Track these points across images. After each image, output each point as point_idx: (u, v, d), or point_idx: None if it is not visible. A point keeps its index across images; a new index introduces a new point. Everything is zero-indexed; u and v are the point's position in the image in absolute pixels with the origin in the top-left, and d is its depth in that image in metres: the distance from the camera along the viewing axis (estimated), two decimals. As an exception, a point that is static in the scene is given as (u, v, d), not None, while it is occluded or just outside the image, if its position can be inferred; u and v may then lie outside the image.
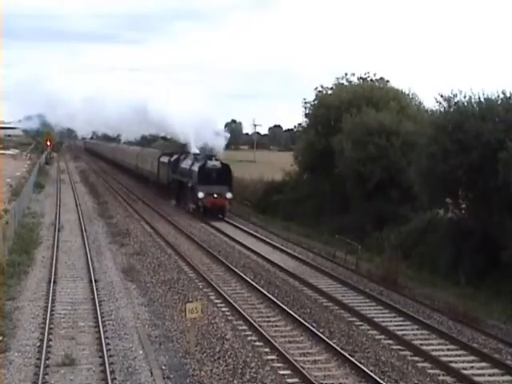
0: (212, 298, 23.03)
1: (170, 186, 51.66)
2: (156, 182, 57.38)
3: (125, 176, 76.80)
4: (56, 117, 65.69)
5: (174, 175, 49.70)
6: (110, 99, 56.42)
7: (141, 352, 17.10)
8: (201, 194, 42.15)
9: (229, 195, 42.59)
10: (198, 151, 47.16)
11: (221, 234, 36.74)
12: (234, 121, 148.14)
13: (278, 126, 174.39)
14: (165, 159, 53.63)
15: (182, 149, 57.83)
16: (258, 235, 36.61)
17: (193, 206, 44.29)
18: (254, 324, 19.62)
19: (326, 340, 18.34)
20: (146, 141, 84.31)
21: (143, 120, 52.38)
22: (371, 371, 16.05)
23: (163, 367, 16.16)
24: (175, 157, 50.83)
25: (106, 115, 57.28)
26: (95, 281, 24.48)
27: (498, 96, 26.39)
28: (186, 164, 47.36)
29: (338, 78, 43.55)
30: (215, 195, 42.29)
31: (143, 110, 51.01)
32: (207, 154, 45.84)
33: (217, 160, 44.00)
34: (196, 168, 43.92)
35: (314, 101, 43.54)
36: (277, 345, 17.80)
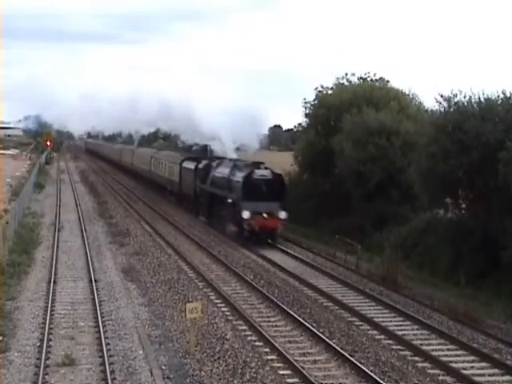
0: (212, 297, 23.04)
1: (197, 199, 42.23)
2: (178, 192, 48.07)
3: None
4: (54, 116, 65.02)
5: (204, 185, 39.93)
6: (116, 95, 50.75)
7: (141, 352, 17.10)
8: (246, 214, 32.50)
9: (282, 215, 33.02)
10: (235, 156, 39.39)
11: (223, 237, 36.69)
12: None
13: (277, 126, 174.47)
14: (190, 165, 44.45)
15: (184, 149, 54.29)
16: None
17: (233, 229, 34.54)
18: (254, 324, 19.65)
19: (326, 340, 18.34)
20: (146, 141, 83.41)
21: (166, 117, 45.85)
22: (371, 371, 16.06)
23: (163, 367, 16.16)
24: (205, 163, 41.31)
25: (114, 112, 52.07)
26: (95, 281, 24.47)
27: (498, 96, 26.40)
28: (221, 172, 37.51)
29: (338, 78, 43.55)
30: (265, 215, 32.86)
31: (164, 105, 44.49)
32: (237, 159, 38.38)
33: (266, 168, 34.14)
34: (239, 178, 34.08)
35: (314, 101, 43.53)
36: (277, 345, 17.82)
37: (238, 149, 40.47)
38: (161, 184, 54.40)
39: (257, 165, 34.51)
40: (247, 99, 41.45)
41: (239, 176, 34.23)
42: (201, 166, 41.70)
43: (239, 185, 33.72)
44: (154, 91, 45.03)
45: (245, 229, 32.89)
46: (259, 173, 33.59)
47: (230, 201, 34.44)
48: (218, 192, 36.73)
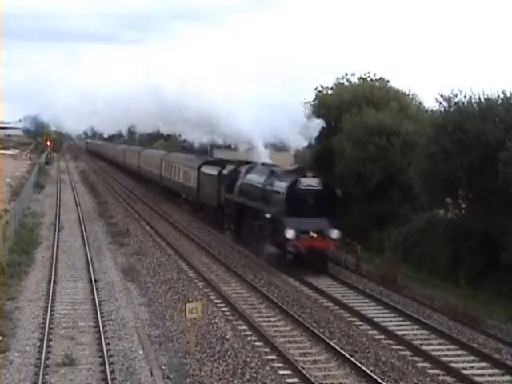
0: (212, 297, 23.04)
1: (222, 210, 36.06)
2: (195, 200, 42.35)
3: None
4: (52, 116, 64.42)
5: (231, 195, 33.87)
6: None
7: (141, 352, 17.10)
8: (290, 233, 26.46)
9: (335, 234, 27.08)
10: (269, 160, 33.49)
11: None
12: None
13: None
14: (211, 170, 38.65)
15: (186, 150, 51.64)
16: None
17: (273, 250, 28.01)
18: (254, 324, 19.65)
19: (326, 340, 18.34)
20: (147, 141, 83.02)
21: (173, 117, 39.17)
22: (371, 371, 16.06)
23: (163, 367, 16.16)
24: (230, 168, 35.54)
25: (114, 111, 45.93)
26: (95, 281, 24.48)
27: (498, 96, 26.39)
28: (254, 180, 31.60)
29: (338, 78, 43.48)
30: (313, 234, 26.95)
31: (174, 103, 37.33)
32: (266, 163, 32.71)
33: (314, 177, 27.94)
34: (281, 189, 28.04)
35: (314, 101, 43.50)
36: (277, 345, 17.82)
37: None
38: (174, 190, 49.09)
39: (301, 172, 28.66)
40: (281, 95, 36.27)
41: (280, 186, 28.24)
42: (226, 171, 35.74)
43: (281, 197, 27.74)
44: (162, 89, 38.51)
45: (288, 251, 26.87)
46: (305, 182, 27.59)
47: (268, 216, 28.24)
48: (250, 204, 30.76)
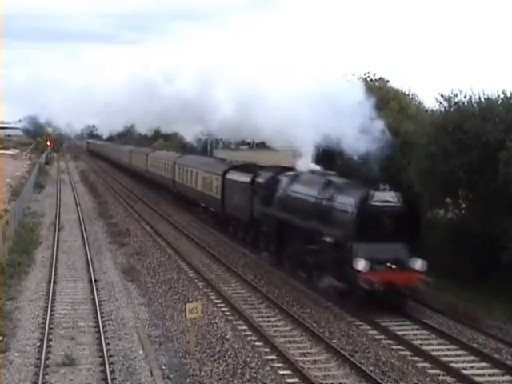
0: (212, 297, 23.04)
1: (257, 227, 29.63)
2: (218, 212, 36.42)
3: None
4: (50, 116, 64.00)
5: (269, 209, 27.61)
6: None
7: (141, 352, 17.10)
8: (362, 264, 20.46)
9: (418, 264, 21.15)
10: (316, 167, 26.95)
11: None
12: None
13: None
14: (241, 177, 32.60)
15: (189, 148, 49.46)
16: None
17: (336, 285, 21.92)
18: (254, 324, 19.65)
19: (326, 340, 18.34)
20: (146, 141, 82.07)
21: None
22: (371, 371, 16.06)
23: (163, 367, 16.16)
24: (267, 175, 29.19)
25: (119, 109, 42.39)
26: (95, 281, 24.48)
27: (498, 96, 26.37)
28: (303, 192, 25.23)
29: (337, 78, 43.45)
30: (391, 265, 20.93)
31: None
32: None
33: (390, 190, 21.66)
34: (348, 206, 21.68)
35: (313, 101, 43.38)
36: (277, 345, 17.82)
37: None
38: (190, 198, 43.43)
39: (372, 184, 21.54)
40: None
41: (346, 202, 21.83)
42: (261, 179, 29.49)
43: (348, 216, 21.40)
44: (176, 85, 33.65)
45: (359, 286, 20.42)
46: (380, 197, 21.34)
47: (328, 240, 21.98)
48: (299, 222, 24.51)
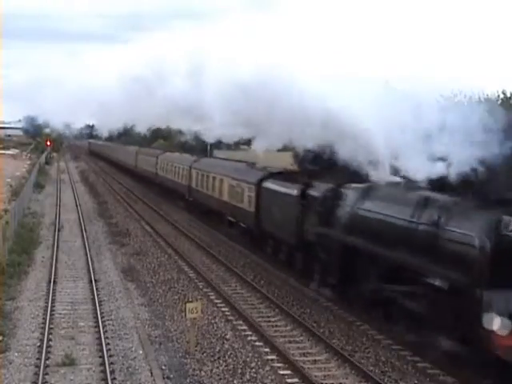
0: (212, 297, 23.04)
1: (308, 251, 23.69)
2: (251, 228, 30.41)
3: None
4: (49, 116, 63.60)
5: (331, 230, 21.64)
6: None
7: (141, 352, 17.10)
8: (498, 323, 14.04)
9: None
10: (395, 178, 19.57)
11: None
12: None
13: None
14: (285, 188, 26.40)
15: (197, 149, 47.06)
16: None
17: (455, 349, 15.37)
18: (254, 324, 19.66)
19: (326, 340, 18.34)
20: (146, 141, 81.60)
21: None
22: (371, 371, 16.06)
23: (163, 367, 16.16)
24: (326, 187, 22.94)
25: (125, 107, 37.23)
26: (95, 281, 24.48)
27: (498, 96, 26.44)
28: (386, 211, 18.87)
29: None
30: None
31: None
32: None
33: None
34: (473, 238, 15.09)
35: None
36: (277, 345, 17.83)
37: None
38: (214, 210, 37.45)
39: (503, 205, 15.14)
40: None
41: (467, 230, 15.49)
42: (316, 192, 23.53)
43: (474, 252, 15.06)
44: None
45: (493, 355, 14.22)
46: None
47: (437, 284, 15.89)
48: (381, 252, 18.37)
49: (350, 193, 21.30)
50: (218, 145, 64.14)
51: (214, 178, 37.09)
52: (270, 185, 28.55)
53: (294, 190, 25.33)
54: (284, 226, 25.86)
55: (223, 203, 34.95)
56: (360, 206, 20.26)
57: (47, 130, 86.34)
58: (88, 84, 47.26)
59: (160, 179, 53.48)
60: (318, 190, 23.51)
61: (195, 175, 41.53)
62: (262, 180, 29.51)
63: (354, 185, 21.46)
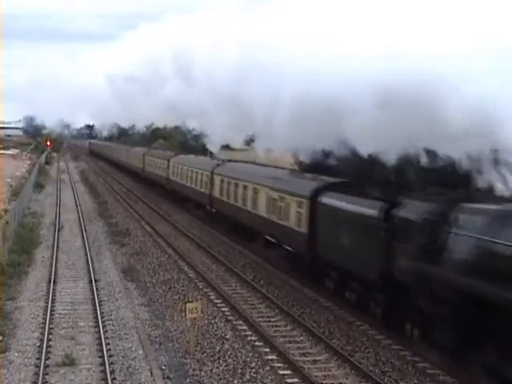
0: (212, 297, 23.04)
1: (403, 297, 17.44)
2: (305, 256, 23.98)
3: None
4: (49, 116, 63.49)
5: (439, 269, 15.45)
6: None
7: (141, 352, 17.10)
8: None
9: None
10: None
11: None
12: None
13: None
14: (359, 206, 20.11)
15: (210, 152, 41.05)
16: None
17: None
18: (254, 324, 19.65)
19: (326, 340, 18.34)
20: (146, 140, 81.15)
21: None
22: (371, 371, 16.05)
23: (163, 367, 16.16)
24: (430, 207, 16.60)
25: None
26: (95, 281, 24.48)
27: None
28: None
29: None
30: None
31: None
32: None
33: None
34: None
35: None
36: (277, 345, 17.82)
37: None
38: (243, 224, 31.62)
39: None
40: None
41: None
42: (407, 213, 17.50)
43: None
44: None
45: None
46: None
47: None
48: None
49: (475, 217, 15.13)
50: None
51: (246, 188, 31.18)
52: (331, 200, 22.14)
53: (373, 210, 19.07)
54: (357, 256, 19.63)
55: (258, 218, 28.92)
56: (496, 236, 14.05)
57: (45, 131, 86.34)
58: (89, 84, 47.21)
59: (172, 185, 47.99)
60: (412, 210, 17.38)
61: (219, 182, 35.83)
62: (317, 193, 23.25)
63: (477, 205, 15.49)
